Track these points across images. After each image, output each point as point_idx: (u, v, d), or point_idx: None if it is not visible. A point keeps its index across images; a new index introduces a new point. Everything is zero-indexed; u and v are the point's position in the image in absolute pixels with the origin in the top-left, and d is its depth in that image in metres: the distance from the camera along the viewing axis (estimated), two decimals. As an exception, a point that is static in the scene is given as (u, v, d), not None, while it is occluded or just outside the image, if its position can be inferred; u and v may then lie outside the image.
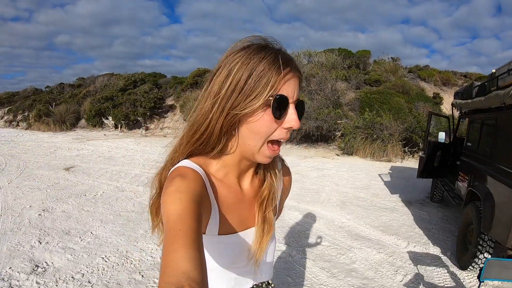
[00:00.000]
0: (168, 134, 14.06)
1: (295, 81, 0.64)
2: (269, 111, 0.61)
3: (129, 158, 8.51)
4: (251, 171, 0.74)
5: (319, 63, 12.75)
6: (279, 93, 0.60)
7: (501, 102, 2.77)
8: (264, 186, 0.74)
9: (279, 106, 0.60)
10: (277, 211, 0.80)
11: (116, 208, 4.41)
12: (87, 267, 2.77)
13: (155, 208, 0.72)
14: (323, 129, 10.28)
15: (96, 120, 16.21)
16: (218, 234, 0.67)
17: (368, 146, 9.14)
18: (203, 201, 0.60)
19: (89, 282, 2.56)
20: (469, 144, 4.05)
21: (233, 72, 0.60)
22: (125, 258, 2.94)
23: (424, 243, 3.49)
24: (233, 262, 0.71)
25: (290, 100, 0.62)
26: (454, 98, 4.89)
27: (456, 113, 5.04)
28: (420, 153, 4.95)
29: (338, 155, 9.50)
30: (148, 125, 15.27)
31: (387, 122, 9.13)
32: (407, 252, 3.30)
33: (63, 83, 23.47)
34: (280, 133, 0.64)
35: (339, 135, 10.20)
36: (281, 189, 0.82)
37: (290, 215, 4.25)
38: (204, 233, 0.65)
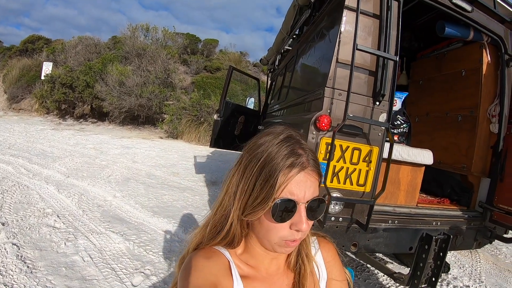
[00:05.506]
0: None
1: (309, 180, 0.60)
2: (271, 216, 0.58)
3: None
4: (281, 257, 0.71)
5: (155, 39, 11.97)
6: (284, 196, 0.57)
7: None
8: (295, 273, 0.71)
9: (282, 211, 0.58)
10: None
11: None
12: None
13: None
14: (149, 109, 9.56)
15: None
16: None
17: (194, 130, 9.02)
18: (220, 283, 0.60)
19: None
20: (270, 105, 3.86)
21: (247, 171, 0.60)
22: None
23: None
24: None
25: (300, 201, 0.59)
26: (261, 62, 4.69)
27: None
28: (215, 116, 3.92)
29: (162, 138, 9.05)
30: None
31: (216, 105, 8.98)
32: (175, 241, 2.61)
33: None
34: (289, 234, 0.60)
35: (167, 118, 9.62)
36: (325, 272, 0.75)
37: (42, 190, 3.58)
38: None
